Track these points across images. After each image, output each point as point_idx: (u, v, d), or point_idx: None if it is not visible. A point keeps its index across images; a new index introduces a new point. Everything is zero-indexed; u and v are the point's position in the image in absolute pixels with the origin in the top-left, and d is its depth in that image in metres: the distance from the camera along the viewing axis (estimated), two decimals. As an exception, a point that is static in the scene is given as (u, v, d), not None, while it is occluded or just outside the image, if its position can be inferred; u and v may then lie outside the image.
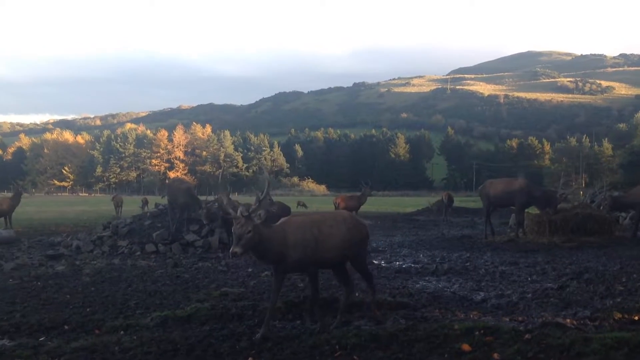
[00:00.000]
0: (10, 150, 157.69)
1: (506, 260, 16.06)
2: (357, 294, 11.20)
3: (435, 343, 7.48)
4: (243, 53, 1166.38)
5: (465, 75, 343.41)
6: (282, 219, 8.65)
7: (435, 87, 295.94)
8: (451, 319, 8.97)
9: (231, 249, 7.80)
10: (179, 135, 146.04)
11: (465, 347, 7.21)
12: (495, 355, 6.91)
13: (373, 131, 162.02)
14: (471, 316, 9.35)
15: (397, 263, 16.39)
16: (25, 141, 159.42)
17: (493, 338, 7.48)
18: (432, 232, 26.40)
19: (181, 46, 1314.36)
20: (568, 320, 8.63)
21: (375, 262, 16.32)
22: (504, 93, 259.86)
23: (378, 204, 58.23)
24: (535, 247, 19.23)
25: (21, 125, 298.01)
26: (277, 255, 8.21)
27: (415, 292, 11.56)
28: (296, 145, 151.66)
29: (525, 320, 8.92)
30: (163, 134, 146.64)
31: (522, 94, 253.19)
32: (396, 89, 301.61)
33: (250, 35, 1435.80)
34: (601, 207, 24.53)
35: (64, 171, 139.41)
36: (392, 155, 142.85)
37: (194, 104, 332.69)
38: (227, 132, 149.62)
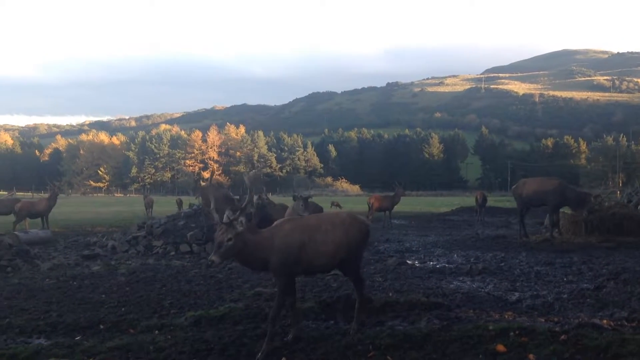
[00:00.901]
0: (47, 151, 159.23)
1: (541, 261, 15.90)
2: (390, 294, 11.18)
3: (469, 344, 7.43)
4: (276, 54, 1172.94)
5: (500, 75, 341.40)
6: (275, 223, 8.30)
7: (469, 87, 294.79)
8: (486, 320, 8.90)
9: (209, 257, 7.48)
10: (213, 136, 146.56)
11: (500, 347, 7.15)
12: (531, 356, 6.86)
13: (407, 131, 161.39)
14: (506, 317, 9.28)
15: (431, 263, 16.32)
16: (61, 142, 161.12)
17: (528, 339, 7.41)
18: (466, 232, 26.24)
19: (215, 47, 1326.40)
20: (605, 321, 8.54)
21: (409, 262, 16.28)
22: (539, 92, 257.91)
23: (412, 203, 58.03)
24: (571, 247, 19.01)
25: (58, 126, 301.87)
26: (262, 261, 7.89)
27: (449, 292, 11.50)
28: (330, 145, 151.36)
29: (561, 321, 8.83)
30: (197, 134, 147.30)
31: (558, 93, 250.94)
32: (430, 89, 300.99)
33: (284, 36, 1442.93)
34: (639, 207, 24.22)
35: (99, 172, 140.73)
36: (426, 155, 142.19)
37: (228, 105, 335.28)
38: (260, 133, 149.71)
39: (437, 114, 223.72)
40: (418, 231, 27.02)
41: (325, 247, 8.09)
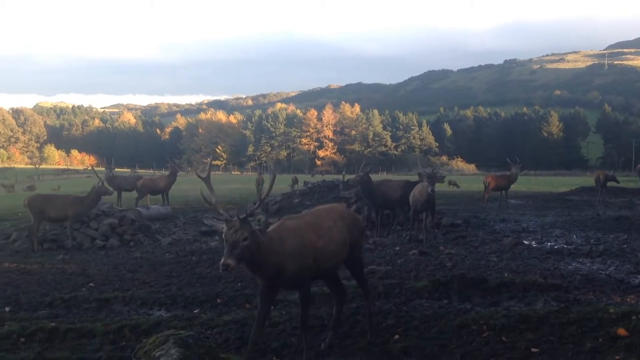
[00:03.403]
0: (168, 130, 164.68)
1: (668, 243, 15.24)
2: (505, 274, 10.98)
3: (588, 327, 7.23)
4: (391, 32, 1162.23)
5: (625, 50, 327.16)
6: (275, 224, 7.24)
7: (591, 63, 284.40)
8: (606, 303, 8.64)
9: (222, 260, 6.20)
10: (328, 115, 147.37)
11: (621, 331, 6.92)
12: (654, 341, 6.60)
13: (524, 109, 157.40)
14: (628, 300, 8.97)
15: (549, 244, 15.94)
16: (181, 121, 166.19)
17: (652, 323, 7.13)
18: (586, 212, 25.38)
19: (330, 26, 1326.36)
20: None
21: (526, 242, 15.97)
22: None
23: (529, 183, 56.77)
24: (700, 229, 18.15)
25: (177, 105, 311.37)
26: (274, 267, 6.74)
27: (567, 273, 11.20)
28: (445, 124, 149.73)
29: (688, 306, 8.44)
30: (312, 113, 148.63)
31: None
32: (549, 65, 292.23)
33: (398, 13, 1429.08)
34: None
35: (217, 150, 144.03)
36: (545, 134, 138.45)
37: (343, 84, 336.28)
38: (375, 111, 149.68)
39: (557, 92, 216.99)
40: (535, 211, 26.38)
41: (334, 245, 7.31)
